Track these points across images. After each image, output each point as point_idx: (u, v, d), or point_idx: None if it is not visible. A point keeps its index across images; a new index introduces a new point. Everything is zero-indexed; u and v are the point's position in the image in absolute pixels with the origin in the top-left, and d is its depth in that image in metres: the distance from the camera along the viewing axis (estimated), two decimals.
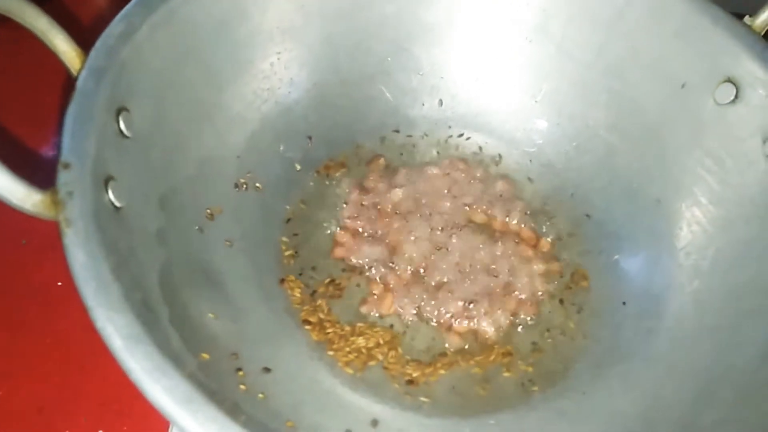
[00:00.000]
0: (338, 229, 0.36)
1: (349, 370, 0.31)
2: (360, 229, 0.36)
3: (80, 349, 0.34)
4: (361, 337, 0.32)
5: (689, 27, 0.33)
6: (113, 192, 0.25)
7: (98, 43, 0.27)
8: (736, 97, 0.32)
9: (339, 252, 0.36)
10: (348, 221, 0.37)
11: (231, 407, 0.20)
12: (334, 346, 0.32)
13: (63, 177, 0.22)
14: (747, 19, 0.32)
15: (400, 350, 0.32)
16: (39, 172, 0.23)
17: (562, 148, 0.40)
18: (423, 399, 0.31)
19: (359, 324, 0.33)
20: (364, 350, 0.32)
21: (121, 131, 0.27)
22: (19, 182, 0.22)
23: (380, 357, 0.32)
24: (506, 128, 0.40)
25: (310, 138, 0.39)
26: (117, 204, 0.25)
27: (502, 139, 0.40)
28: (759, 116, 0.31)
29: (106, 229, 0.22)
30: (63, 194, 0.22)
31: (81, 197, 0.22)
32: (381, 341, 0.32)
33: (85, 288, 0.20)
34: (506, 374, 0.32)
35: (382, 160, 0.39)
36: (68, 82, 0.26)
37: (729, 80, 0.32)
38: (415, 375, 0.31)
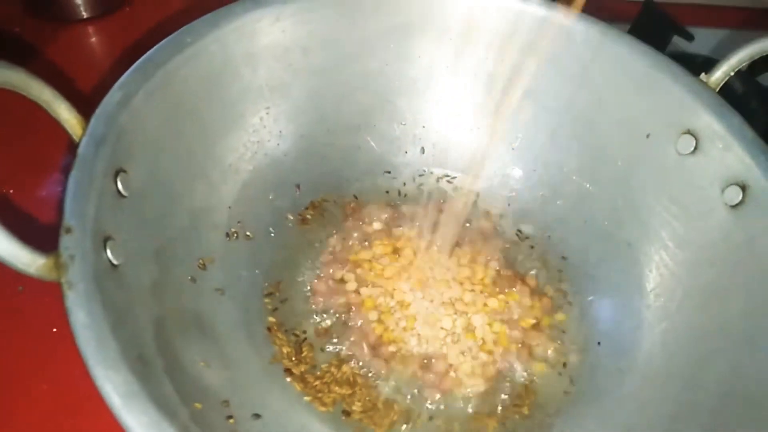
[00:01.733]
0: (315, 278, 0.38)
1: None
2: (336, 277, 0.37)
3: (76, 395, 0.34)
4: (340, 387, 0.33)
5: (650, 82, 0.36)
6: (111, 251, 0.26)
7: (98, 111, 0.28)
8: (696, 148, 0.34)
9: (316, 300, 0.37)
10: (325, 269, 0.38)
11: None
12: (315, 395, 0.33)
13: (65, 241, 0.24)
14: (703, 76, 0.35)
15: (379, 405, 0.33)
16: (37, 234, 0.24)
17: (538, 193, 0.42)
18: None
19: (340, 368, 0.34)
20: (341, 400, 0.33)
21: (118, 191, 0.28)
22: (24, 248, 0.23)
23: (358, 412, 0.33)
24: (485, 174, 0.43)
25: (298, 186, 0.41)
26: (115, 262, 0.26)
27: (481, 184, 0.42)
28: (717, 167, 0.33)
29: (105, 288, 0.24)
30: (65, 258, 0.23)
31: (82, 259, 0.24)
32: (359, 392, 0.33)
33: (86, 348, 0.21)
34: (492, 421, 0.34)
35: (361, 205, 0.41)
36: (69, 148, 0.27)
37: (689, 132, 0.35)
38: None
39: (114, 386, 0.21)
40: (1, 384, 0.35)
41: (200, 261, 0.34)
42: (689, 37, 0.54)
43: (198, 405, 0.26)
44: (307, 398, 0.33)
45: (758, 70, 0.55)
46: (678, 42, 0.54)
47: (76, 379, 0.35)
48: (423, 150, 0.43)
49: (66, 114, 0.27)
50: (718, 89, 0.34)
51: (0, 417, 0.34)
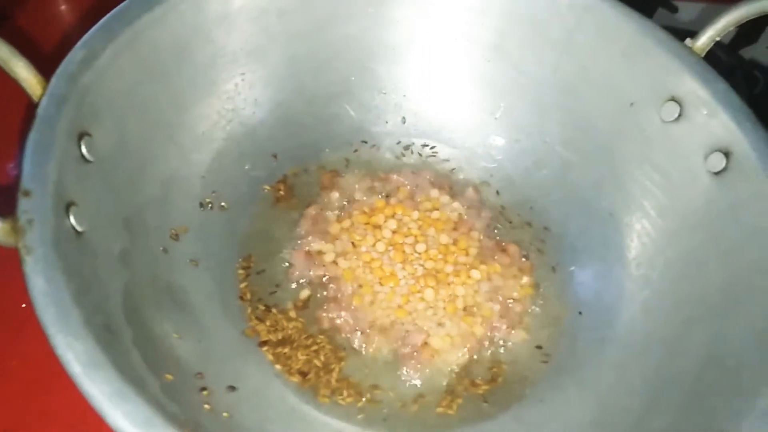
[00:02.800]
0: (293, 249, 0.37)
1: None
2: (313, 248, 0.37)
3: (46, 371, 0.34)
4: (312, 357, 0.32)
5: (635, 48, 0.35)
6: (75, 217, 0.25)
7: (59, 70, 0.27)
8: (680, 115, 0.34)
9: (293, 271, 0.36)
10: (303, 240, 0.37)
11: (194, 428, 0.20)
12: (288, 366, 0.32)
13: (23, 205, 0.23)
14: (688, 41, 0.34)
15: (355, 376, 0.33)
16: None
17: (521, 163, 0.41)
18: (385, 411, 0.32)
19: (316, 340, 0.34)
20: (316, 371, 0.32)
21: (83, 156, 0.27)
22: None
23: (334, 383, 0.32)
24: (467, 145, 0.42)
25: (275, 156, 0.39)
26: (78, 228, 0.25)
27: (463, 154, 0.42)
28: (701, 134, 0.33)
29: (67, 255, 0.23)
30: (23, 222, 0.22)
31: (41, 224, 0.22)
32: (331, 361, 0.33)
33: (45, 315, 0.20)
34: (467, 392, 0.33)
35: (339, 175, 0.40)
36: (29, 109, 0.26)
37: (673, 99, 0.34)
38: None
39: (75, 354, 0.20)
40: None
41: (173, 231, 0.33)
42: (673, 9, 0.54)
43: (169, 376, 0.26)
44: (279, 368, 0.32)
45: (741, 43, 0.54)
46: (662, 15, 0.54)
47: (46, 355, 0.34)
48: (404, 120, 0.42)
49: (24, 73, 0.26)
50: (703, 54, 0.34)
51: None
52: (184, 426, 0.20)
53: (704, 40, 0.34)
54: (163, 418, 0.19)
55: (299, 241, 0.37)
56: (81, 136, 0.27)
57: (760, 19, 0.52)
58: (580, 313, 0.36)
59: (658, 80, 0.35)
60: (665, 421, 0.28)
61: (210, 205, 0.36)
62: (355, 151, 0.41)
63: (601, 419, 0.30)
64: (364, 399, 0.32)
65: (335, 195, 0.39)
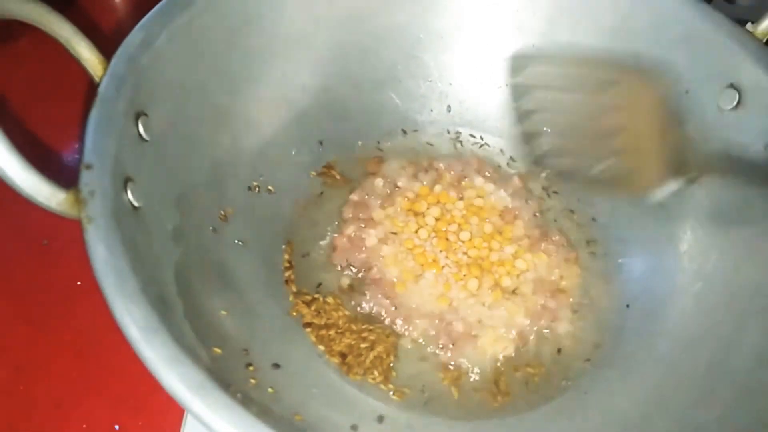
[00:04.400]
0: (336, 234, 0.37)
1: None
2: (357, 233, 0.37)
3: (98, 347, 0.35)
4: (354, 341, 0.33)
5: (692, 34, 0.34)
6: (132, 192, 0.26)
7: (119, 51, 0.28)
8: (739, 102, 0.33)
9: (336, 256, 0.36)
10: (346, 225, 0.37)
11: (243, 398, 0.21)
12: (331, 347, 0.32)
13: (85, 177, 0.23)
14: (749, 26, 0.33)
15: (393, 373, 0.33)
16: (64, 174, 0.24)
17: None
18: (426, 395, 0.32)
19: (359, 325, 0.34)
20: (357, 354, 0.32)
21: (140, 135, 0.28)
22: (45, 182, 0.23)
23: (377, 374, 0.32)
24: (513, 134, 0.41)
25: (321, 142, 0.40)
26: (135, 204, 0.26)
27: (509, 143, 0.41)
28: (761, 122, 0.32)
29: (125, 227, 0.23)
30: (85, 193, 0.23)
31: (102, 196, 0.23)
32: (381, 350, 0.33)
33: (105, 281, 0.21)
34: (509, 382, 0.33)
35: (383, 161, 0.40)
36: (91, 89, 0.27)
37: (732, 86, 0.33)
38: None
39: (133, 319, 0.20)
40: (28, 334, 0.36)
41: (221, 212, 0.34)
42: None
43: (218, 350, 0.26)
44: (323, 349, 0.32)
45: None
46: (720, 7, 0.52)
47: (98, 331, 0.36)
48: (449, 108, 0.42)
49: (87, 53, 0.27)
50: (765, 40, 0.33)
51: (22, 367, 0.34)
52: (234, 394, 0.20)
53: (767, 24, 0.32)
54: (217, 383, 0.20)
55: (342, 227, 0.37)
56: (138, 115, 0.28)
57: None
58: (627, 306, 0.35)
59: (716, 67, 0.33)
60: (714, 416, 0.27)
61: (257, 189, 0.36)
62: (400, 138, 0.41)
63: (647, 412, 0.29)
64: (403, 383, 0.32)
65: (379, 181, 0.39)
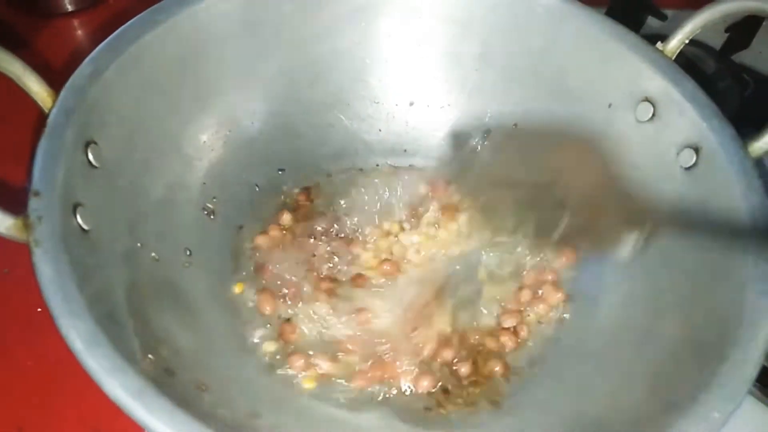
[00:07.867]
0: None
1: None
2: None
3: (60, 372, 0.35)
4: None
5: (610, 52, 0.37)
6: (81, 216, 0.27)
7: (69, 83, 0.29)
8: (654, 114, 0.35)
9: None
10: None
11: (188, 405, 0.22)
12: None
13: (33, 204, 0.25)
14: (659, 44, 0.36)
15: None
16: (17, 200, 0.26)
17: None
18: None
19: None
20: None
21: (89, 162, 0.29)
22: None
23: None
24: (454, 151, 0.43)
25: (272, 164, 0.41)
26: (85, 227, 0.27)
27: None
28: (672, 131, 0.34)
29: (73, 249, 0.25)
30: (33, 218, 0.24)
31: (49, 221, 0.25)
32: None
33: (52, 299, 0.23)
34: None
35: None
36: (42, 118, 0.28)
37: (647, 99, 0.36)
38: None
39: (78, 333, 0.22)
40: None
41: (174, 234, 0.35)
42: (663, 17, 0.56)
43: (170, 366, 0.27)
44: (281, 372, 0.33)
45: (733, 48, 0.56)
46: (652, 23, 0.56)
47: (60, 357, 0.36)
48: (397, 128, 0.44)
49: (36, 87, 0.28)
50: (674, 57, 0.35)
51: None
52: (177, 400, 0.22)
53: (674, 43, 0.36)
54: (156, 389, 0.21)
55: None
56: (88, 144, 0.29)
57: (751, 24, 0.54)
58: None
59: (632, 82, 0.36)
60: (633, 398, 0.29)
61: (210, 211, 0.38)
62: (350, 158, 0.43)
63: (579, 407, 0.31)
64: (353, 384, 0.33)
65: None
